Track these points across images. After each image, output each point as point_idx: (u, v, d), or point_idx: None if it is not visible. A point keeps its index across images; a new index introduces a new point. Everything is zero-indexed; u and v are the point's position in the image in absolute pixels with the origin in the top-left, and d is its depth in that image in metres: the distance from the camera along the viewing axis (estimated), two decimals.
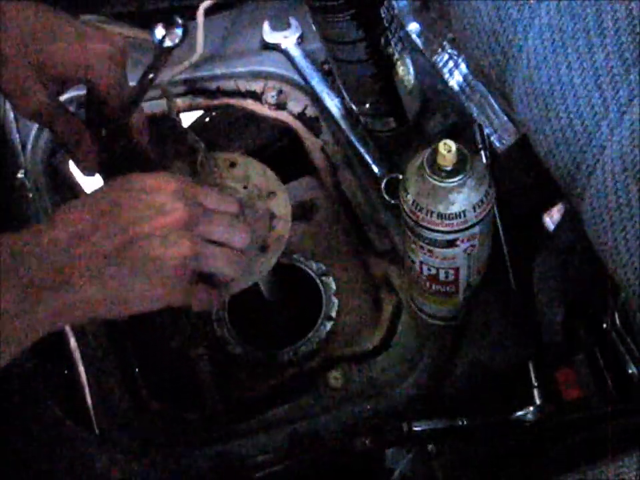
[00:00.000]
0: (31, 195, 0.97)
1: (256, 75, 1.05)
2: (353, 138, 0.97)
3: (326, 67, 1.03)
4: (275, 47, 1.06)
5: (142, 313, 0.64)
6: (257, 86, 1.05)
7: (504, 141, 0.90)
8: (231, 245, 0.68)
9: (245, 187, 0.78)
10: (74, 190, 1.03)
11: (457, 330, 0.83)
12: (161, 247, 0.62)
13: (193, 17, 1.07)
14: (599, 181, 0.61)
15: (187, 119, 1.15)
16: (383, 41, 0.85)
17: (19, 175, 0.98)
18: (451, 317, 0.83)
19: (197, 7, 1.06)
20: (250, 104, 1.05)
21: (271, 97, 1.03)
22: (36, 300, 0.57)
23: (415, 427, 0.76)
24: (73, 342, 0.87)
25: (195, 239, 0.64)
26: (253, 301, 0.90)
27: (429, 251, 0.72)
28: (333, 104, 1.00)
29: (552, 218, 0.81)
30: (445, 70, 0.99)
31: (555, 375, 0.77)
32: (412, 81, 0.93)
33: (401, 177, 0.81)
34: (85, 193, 0.66)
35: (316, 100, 1.02)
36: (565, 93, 0.63)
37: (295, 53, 1.05)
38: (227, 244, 0.68)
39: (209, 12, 1.08)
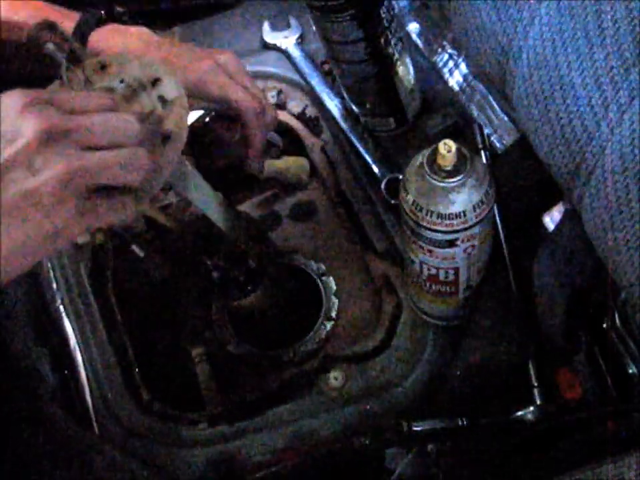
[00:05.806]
0: None
1: (256, 75, 1.05)
2: (353, 138, 0.97)
3: (326, 67, 1.03)
4: (275, 47, 1.07)
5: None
6: None
7: (504, 141, 0.90)
8: (120, 142, 0.55)
9: (122, 81, 0.65)
10: None
11: (456, 330, 0.83)
12: (27, 178, 0.51)
13: (191, 19, 1.07)
14: (599, 181, 0.61)
15: (188, 119, 1.14)
16: (382, 41, 0.85)
17: None
18: (450, 317, 0.83)
19: (193, 9, 1.06)
20: None
21: (270, 96, 1.03)
22: None
23: (415, 426, 0.76)
24: (73, 342, 0.87)
25: (69, 151, 0.52)
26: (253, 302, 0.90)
27: (429, 251, 0.72)
28: (333, 104, 1.00)
29: (552, 218, 0.81)
30: (445, 70, 0.99)
31: (555, 375, 0.77)
32: (412, 81, 0.93)
33: (400, 177, 0.80)
34: None
35: (316, 100, 1.02)
36: (565, 92, 0.63)
37: (295, 53, 1.05)
38: (115, 143, 0.55)
39: (208, 12, 1.08)
